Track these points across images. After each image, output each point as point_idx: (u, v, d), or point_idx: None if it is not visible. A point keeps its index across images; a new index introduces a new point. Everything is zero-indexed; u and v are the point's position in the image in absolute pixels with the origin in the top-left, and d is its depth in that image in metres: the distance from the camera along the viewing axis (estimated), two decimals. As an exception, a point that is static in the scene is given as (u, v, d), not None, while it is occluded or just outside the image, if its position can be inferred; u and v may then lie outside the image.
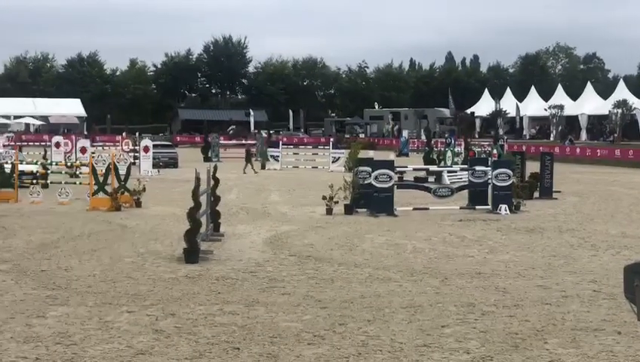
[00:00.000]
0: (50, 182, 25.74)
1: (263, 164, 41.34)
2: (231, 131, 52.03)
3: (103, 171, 21.43)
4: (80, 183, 24.25)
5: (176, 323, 9.10)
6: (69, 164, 29.08)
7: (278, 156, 41.65)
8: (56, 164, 28.31)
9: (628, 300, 5.72)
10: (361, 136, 74.06)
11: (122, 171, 21.71)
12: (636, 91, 71.07)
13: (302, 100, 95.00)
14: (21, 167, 25.04)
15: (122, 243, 15.05)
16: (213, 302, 10.14)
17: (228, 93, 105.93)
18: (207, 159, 45.05)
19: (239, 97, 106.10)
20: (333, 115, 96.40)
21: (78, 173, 28.56)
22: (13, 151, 29.21)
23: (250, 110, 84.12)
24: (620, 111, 63.51)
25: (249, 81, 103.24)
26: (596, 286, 11.42)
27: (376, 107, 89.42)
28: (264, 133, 58.31)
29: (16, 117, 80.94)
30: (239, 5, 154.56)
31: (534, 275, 12.21)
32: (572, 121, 71.24)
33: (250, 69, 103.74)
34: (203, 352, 7.99)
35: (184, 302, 10.16)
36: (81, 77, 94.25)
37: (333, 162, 39.92)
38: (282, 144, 45.30)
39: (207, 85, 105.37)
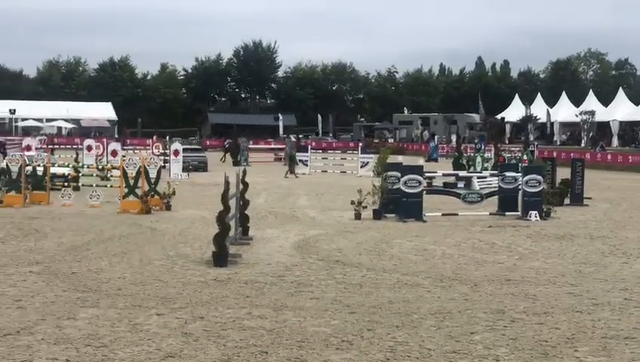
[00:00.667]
0: (82, 185, 26.01)
1: (291, 168, 41.40)
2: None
3: (134, 174, 21.60)
4: (111, 186, 24.48)
5: (205, 326, 9.14)
6: (100, 167, 29.34)
7: (307, 160, 41.68)
8: (88, 167, 28.58)
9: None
10: (390, 140, 73.87)
11: (152, 174, 21.89)
12: (669, 97, 70.24)
13: (331, 105, 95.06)
14: (53, 170, 25.34)
15: (152, 246, 15.15)
16: (241, 306, 10.17)
17: (257, 97, 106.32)
18: (236, 163, 45.22)
19: (268, 102, 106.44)
20: (362, 119, 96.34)
21: (109, 176, 28.80)
22: (46, 153, 29.51)
23: (279, 114, 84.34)
24: (652, 117, 62.79)
25: (278, 86, 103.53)
26: (627, 294, 11.29)
27: (406, 112, 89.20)
28: (293, 138, 58.42)
29: (48, 120, 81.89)
30: (269, 10, 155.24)
31: (564, 282, 12.11)
32: (603, 127, 70.51)
33: (280, 73, 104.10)
34: (231, 356, 8.02)
35: (213, 305, 10.21)
36: (112, 81, 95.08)
37: (361, 167, 39.88)
38: (311, 148, 45.33)
39: (237, 89, 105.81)
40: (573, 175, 25.27)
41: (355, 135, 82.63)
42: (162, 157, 35.09)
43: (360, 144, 51.32)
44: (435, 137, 65.51)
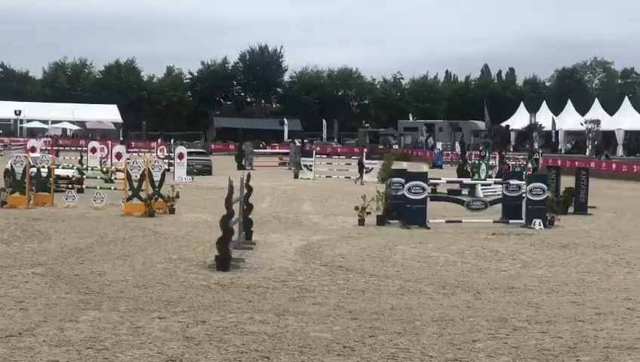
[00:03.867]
0: (86, 187, 26.04)
1: (296, 173, 41.42)
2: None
3: (138, 177, 21.62)
4: (115, 189, 24.50)
5: (207, 330, 9.14)
6: (104, 169, 29.37)
7: (311, 165, 41.66)
8: (92, 169, 28.61)
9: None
10: (395, 147, 73.85)
11: (157, 178, 21.89)
12: (675, 107, 70.17)
13: (336, 110, 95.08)
14: (57, 172, 25.37)
15: (155, 249, 15.15)
16: (243, 311, 10.16)
17: (263, 101, 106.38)
18: (240, 167, 45.24)
19: (274, 106, 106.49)
20: (367, 125, 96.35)
21: (113, 178, 28.85)
22: (50, 155, 29.54)
23: (285, 119, 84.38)
24: (657, 127, 62.73)
25: (284, 90, 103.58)
26: (630, 303, 11.25)
27: (411, 118, 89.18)
28: (298, 142, 58.45)
29: (53, 122, 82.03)
30: (276, 15, 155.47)
31: (567, 291, 12.08)
32: (608, 136, 70.45)
33: (286, 78, 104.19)
34: (233, 360, 8.01)
35: (215, 309, 10.20)
36: (118, 83, 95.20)
37: (366, 173, 39.83)
38: (315, 153, 45.37)
39: (243, 93, 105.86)
40: (578, 184, 25.23)
41: (359, 141, 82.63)
42: (167, 161, 35.14)
43: (365, 150, 51.18)
44: (440, 144, 65.48)
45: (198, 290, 11.38)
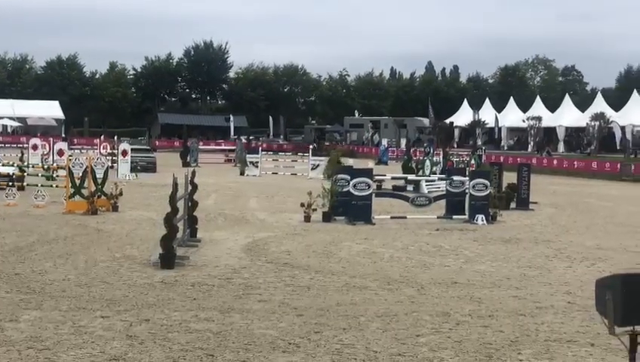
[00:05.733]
0: (27, 185, 25.55)
1: (241, 170, 41.26)
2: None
3: (80, 174, 21.30)
4: (56, 186, 24.10)
5: (151, 329, 9.05)
6: (45, 166, 28.85)
7: (258, 162, 41.54)
8: (33, 167, 28.08)
9: (600, 314, 5.76)
10: (342, 143, 74.01)
11: (99, 175, 21.59)
12: (614, 104, 71.64)
13: (282, 107, 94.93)
14: (-3, 169, 24.86)
15: (98, 248, 14.95)
16: (188, 309, 10.10)
17: (208, 98, 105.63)
18: (185, 164, 44.87)
19: (219, 102, 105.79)
20: (314, 122, 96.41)
21: (54, 175, 28.35)
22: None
23: (231, 115, 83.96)
24: (597, 123, 64.01)
25: (230, 87, 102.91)
26: (570, 297, 11.49)
27: (357, 115, 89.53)
28: (243, 139, 58.21)
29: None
30: (222, 11, 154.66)
31: (509, 286, 12.28)
32: (550, 133, 71.67)
33: (231, 74, 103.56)
34: (177, 359, 7.95)
35: (159, 307, 10.11)
36: (60, 79, 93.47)
37: (312, 169, 39.91)
38: (262, 150, 45.20)
39: (188, 90, 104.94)
40: (520, 179, 25.65)
41: (306, 137, 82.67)
42: (110, 157, 34.67)
43: (311, 146, 51.24)
44: (385, 140, 65.88)
45: (141, 289, 11.27)
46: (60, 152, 35.63)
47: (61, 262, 13.29)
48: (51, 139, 47.95)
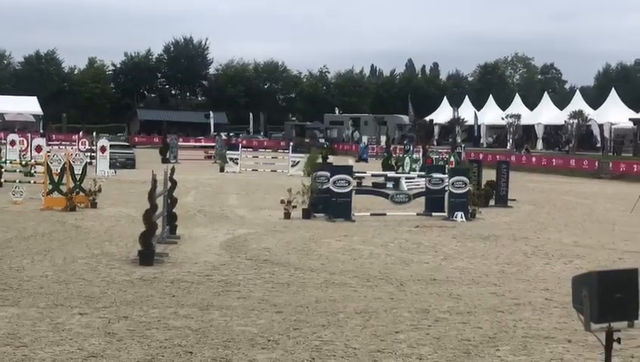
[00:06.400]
0: (4, 181, 25.36)
1: (221, 166, 41.16)
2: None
3: (59, 170, 21.16)
4: (34, 182, 23.92)
5: (129, 326, 9.02)
6: (23, 162, 28.63)
7: (237, 159, 41.45)
8: (11, 163, 27.86)
9: (576, 310, 5.81)
10: (322, 140, 74.01)
11: (78, 171, 21.47)
12: (592, 102, 72.20)
13: (262, 103, 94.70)
14: (-26, 165, 24.64)
15: (76, 244, 14.87)
16: (167, 305, 10.07)
17: (188, 94, 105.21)
18: (165, 160, 44.69)
19: (199, 99, 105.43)
20: (294, 118, 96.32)
21: (32, 172, 28.13)
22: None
23: (211, 112, 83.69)
24: (575, 121, 64.44)
25: (209, 83, 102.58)
26: (548, 294, 11.57)
27: (337, 112, 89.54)
28: (223, 136, 58.07)
29: (-30, 114, 79.45)
30: (203, 8, 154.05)
31: (488, 282, 12.34)
32: (529, 131, 72.12)
33: (211, 70, 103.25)
34: (155, 356, 7.93)
35: (138, 304, 10.07)
36: (38, 74, 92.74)
37: (292, 166, 39.88)
38: (242, 147, 45.11)
39: (167, 86, 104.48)
40: (499, 177, 25.78)
41: (286, 134, 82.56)
42: (88, 154, 34.46)
43: (291, 143, 51.22)
44: (365, 138, 65.96)
45: (120, 285, 11.22)
46: (38, 148, 35.37)
47: (39, 258, 13.20)
48: (29, 134, 47.59)
